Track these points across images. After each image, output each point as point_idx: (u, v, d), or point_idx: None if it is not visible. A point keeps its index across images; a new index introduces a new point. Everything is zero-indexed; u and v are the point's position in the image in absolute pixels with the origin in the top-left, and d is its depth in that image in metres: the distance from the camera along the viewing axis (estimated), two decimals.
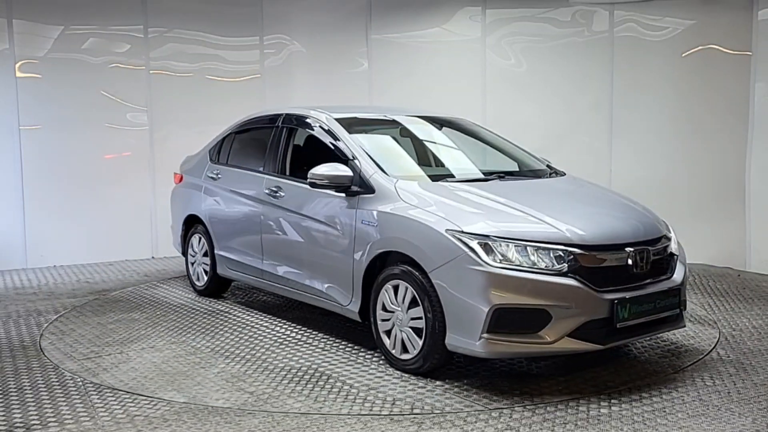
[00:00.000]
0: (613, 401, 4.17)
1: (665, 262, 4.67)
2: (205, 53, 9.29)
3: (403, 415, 3.97)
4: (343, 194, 5.08)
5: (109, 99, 8.80)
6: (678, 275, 4.69)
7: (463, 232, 4.28)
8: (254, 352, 5.17)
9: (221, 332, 5.69)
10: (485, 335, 4.12)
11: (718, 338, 5.38)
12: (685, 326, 4.88)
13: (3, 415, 4.04)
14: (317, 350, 5.17)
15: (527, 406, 4.09)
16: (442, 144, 5.99)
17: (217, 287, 6.84)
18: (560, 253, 4.21)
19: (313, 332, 5.63)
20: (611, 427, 3.81)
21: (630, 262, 4.36)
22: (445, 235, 4.32)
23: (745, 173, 7.85)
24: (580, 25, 8.77)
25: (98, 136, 8.76)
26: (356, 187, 5.00)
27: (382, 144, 5.69)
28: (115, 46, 8.84)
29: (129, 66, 8.89)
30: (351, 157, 5.16)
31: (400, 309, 4.61)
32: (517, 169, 5.68)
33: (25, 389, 4.45)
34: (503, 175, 5.32)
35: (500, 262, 4.15)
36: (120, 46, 8.86)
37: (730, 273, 7.70)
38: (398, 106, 7.07)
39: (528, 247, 4.20)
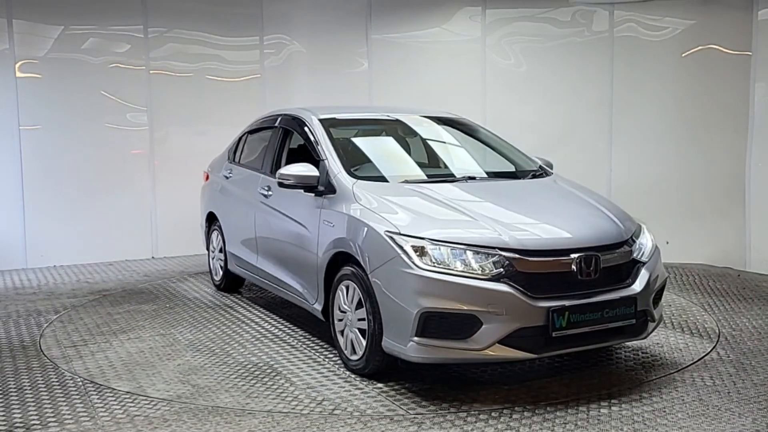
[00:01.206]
0: (613, 401, 4.17)
1: (624, 269, 4.38)
2: (205, 53, 9.28)
3: (403, 415, 3.98)
4: (312, 194, 5.14)
5: (109, 99, 8.80)
6: (639, 284, 4.36)
7: (400, 234, 4.24)
8: (226, 346, 5.31)
9: (210, 326, 5.87)
10: (414, 339, 4.06)
11: (718, 338, 5.38)
12: (645, 337, 4.49)
13: (3, 415, 4.04)
14: (286, 347, 5.26)
15: (527, 406, 4.10)
16: (426, 144, 5.88)
17: (231, 283, 7.02)
18: (495, 258, 4.08)
19: (295, 329, 5.70)
20: (611, 427, 3.81)
21: (575, 268, 4.16)
22: (383, 236, 4.29)
23: (745, 173, 7.85)
24: (580, 26, 8.77)
25: (98, 136, 8.75)
26: (322, 188, 5.06)
27: (360, 145, 5.68)
28: (115, 46, 8.84)
29: (129, 66, 8.88)
30: (323, 158, 5.23)
31: (350, 310, 4.64)
32: (496, 170, 5.52)
33: (25, 389, 4.45)
34: (473, 176, 5.22)
35: (433, 266, 4.06)
36: (120, 46, 8.86)
37: (730, 273, 7.70)
38: (396, 106, 7.08)
39: (463, 251, 4.10)
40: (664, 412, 4.01)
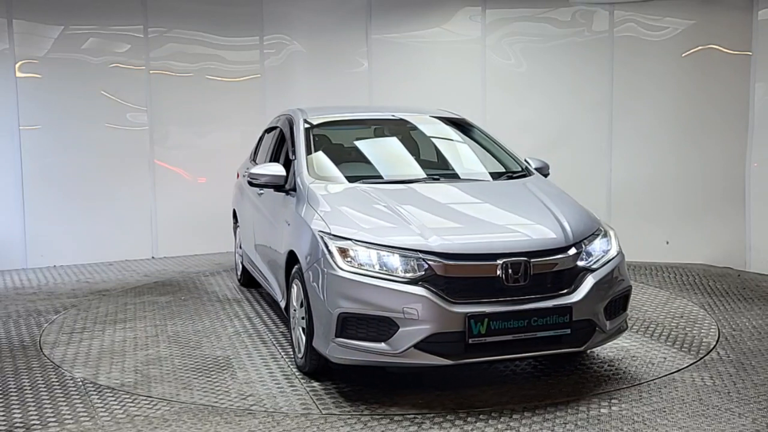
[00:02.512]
0: (613, 401, 4.17)
1: (563, 276, 4.19)
2: (205, 53, 9.28)
3: (403, 415, 3.98)
4: (282, 193, 5.22)
5: (109, 99, 8.80)
6: (580, 292, 4.16)
7: (329, 234, 4.25)
8: (204, 339, 5.53)
9: (204, 319, 6.09)
10: (335, 340, 4.09)
11: (718, 338, 5.38)
12: (584, 349, 4.27)
13: (3, 415, 4.04)
14: (258, 343, 5.39)
15: (527, 406, 4.10)
16: (406, 144, 5.80)
17: (248, 278, 7.13)
18: (416, 261, 4.03)
19: (280, 326, 5.82)
20: (611, 427, 3.81)
21: (500, 274, 4.04)
22: (316, 236, 4.31)
23: (745, 173, 7.86)
24: (580, 26, 8.77)
25: (98, 136, 8.75)
26: (289, 187, 5.12)
27: (339, 145, 5.69)
28: (115, 46, 8.84)
29: (129, 66, 8.88)
30: (293, 158, 5.30)
31: (297, 308, 4.68)
32: (468, 171, 5.46)
33: (25, 389, 4.45)
34: (438, 177, 5.14)
35: (354, 267, 4.06)
36: (120, 46, 8.86)
37: (730, 273, 7.70)
38: (394, 106, 7.09)
39: (385, 254, 4.07)
40: (664, 412, 4.01)
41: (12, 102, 8.31)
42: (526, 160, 5.57)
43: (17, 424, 3.92)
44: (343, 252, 4.12)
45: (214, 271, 8.19)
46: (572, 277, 4.21)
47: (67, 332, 5.78)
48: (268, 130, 6.89)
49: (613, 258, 4.44)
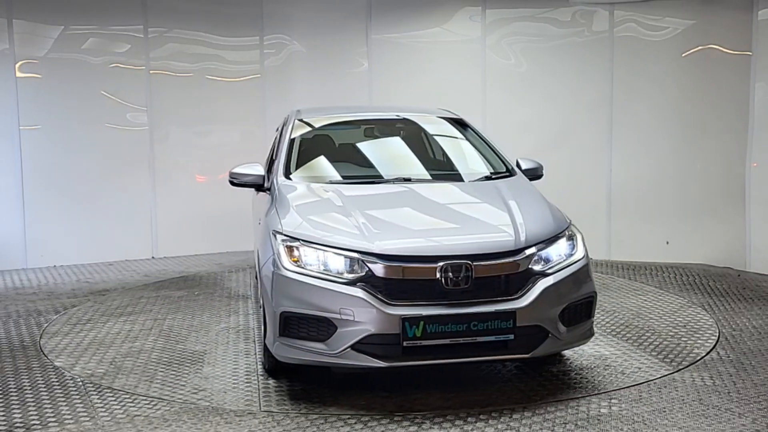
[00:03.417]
0: (613, 401, 4.17)
1: (511, 280, 4.10)
2: (205, 53, 9.28)
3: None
4: (265, 193, 5.28)
5: (109, 99, 8.80)
6: (529, 297, 4.07)
7: (281, 233, 4.28)
8: (191, 334, 5.68)
9: (203, 315, 6.25)
10: (279, 339, 4.13)
11: (718, 338, 5.37)
12: (531, 356, 4.12)
13: (3, 415, 4.04)
14: (240, 340, 5.47)
15: (527, 406, 4.10)
16: (392, 145, 5.81)
17: None
18: (356, 262, 4.03)
19: None
20: (611, 427, 3.81)
21: (439, 276, 3.99)
22: (270, 235, 4.35)
23: (746, 173, 7.85)
24: (580, 25, 8.77)
25: (98, 136, 8.75)
26: (266, 186, 5.18)
27: (323, 145, 5.69)
28: (115, 46, 8.84)
29: (129, 66, 8.88)
30: (274, 158, 5.36)
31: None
32: (442, 172, 5.39)
33: (25, 389, 4.45)
34: (410, 178, 5.08)
35: (298, 267, 4.09)
36: (120, 46, 8.86)
37: (730, 273, 7.69)
38: (391, 106, 7.13)
39: (328, 254, 4.09)
40: (664, 412, 4.01)
41: (12, 102, 8.31)
42: (517, 161, 5.44)
43: (17, 424, 3.92)
44: (291, 251, 4.16)
45: (239, 268, 8.27)
46: (522, 281, 4.11)
47: (73, 323, 5.98)
48: (278, 130, 6.95)
49: (575, 262, 4.32)
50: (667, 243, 8.43)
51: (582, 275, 4.34)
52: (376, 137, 5.87)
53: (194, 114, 9.25)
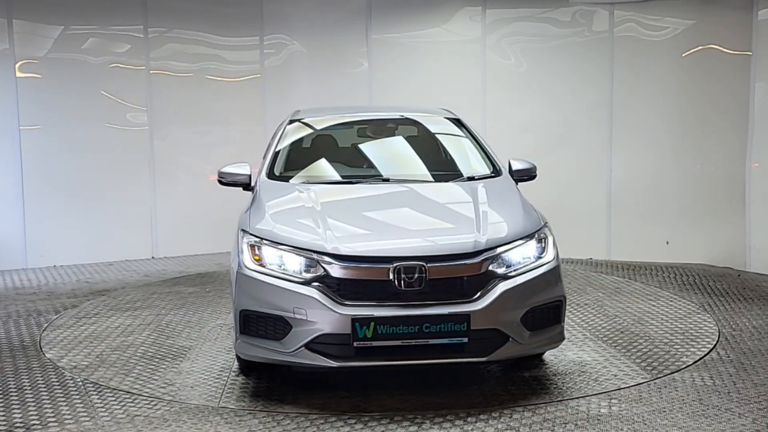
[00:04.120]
0: (613, 401, 4.17)
1: (468, 282, 4.06)
2: (205, 53, 9.28)
3: (403, 415, 3.98)
4: (250, 192, 5.29)
5: (109, 99, 8.80)
6: (483, 301, 4.01)
7: (247, 232, 4.34)
8: (184, 329, 5.78)
9: (204, 311, 6.34)
10: (240, 337, 4.20)
11: (718, 338, 5.37)
12: (487, 360, 4.08)
13: (3, 415, 4.04)
14: (227, 336, 5.53)
15: (527, 406, 4.10)
16: (380, 145, 5.81)
17: None
18: (312, 262, 4.07)
19: None
20: (611, 427, 3.81)
21: (392, 277, 3.97)
22: (239, 233, 4.41)
23: (745, 173, 7.85)
24: (580, 25, 8.77)
25: (98, 136, 8.75)
26: (252, 186, 5.20)
27: (312, 146, 5.70)
28: (115, 46, 8.84)
29: (129, 66, 8.88)
30: (263, 157, 5.40)
31: None
32: (423, 172, 5.32)
33: (25, 389, 4.45)
34: (387, 178, 5.09)
35: (259, 266, 4.14)
36: (120, 46, 8.86)
37: (730, 273, 7.69)
38: (388, 106, 7.14)
39: (287, 254, 4.13)
40: (664, 412, 4.01)
41: (12, 102, 8.31)
42: (509, 162, 5.35)
43: (17, 424, 3.92)
44: (254, 250, 4.21)
45: None
46: (480, 283, 4.07)
47: (79, 316, 6.18)
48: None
49: (542, 265, 4.25)
50: (667, 243, 8.43)
51: (549, 279, 4.26)
52: (369, 137, 5.88)
53: (194, 114, 9.25)
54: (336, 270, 4.01)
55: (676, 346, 5.15)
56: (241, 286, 4.18)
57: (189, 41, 9.22)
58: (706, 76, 8.20)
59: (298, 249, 4.12)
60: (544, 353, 4.80)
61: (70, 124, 8.61)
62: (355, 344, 3.91)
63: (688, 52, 8.28)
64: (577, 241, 8.71)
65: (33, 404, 4.21)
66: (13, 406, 4.17)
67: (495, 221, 4.40)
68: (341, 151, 5.70)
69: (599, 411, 4.02)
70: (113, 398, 4.29)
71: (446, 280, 4.04)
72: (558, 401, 4.17)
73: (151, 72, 8.97)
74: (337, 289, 3.99)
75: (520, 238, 4.30)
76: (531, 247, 4.30)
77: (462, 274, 4.06)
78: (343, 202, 4.76)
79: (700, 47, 8.20)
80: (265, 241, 4.21)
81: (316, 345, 3.95)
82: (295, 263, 4.10)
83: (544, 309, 4.23)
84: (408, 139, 5.83)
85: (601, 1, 8.58)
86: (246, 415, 3.99)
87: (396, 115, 6.04)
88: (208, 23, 9.27)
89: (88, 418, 3.99)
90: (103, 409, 4.11)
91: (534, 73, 8.96)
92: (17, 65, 8.34)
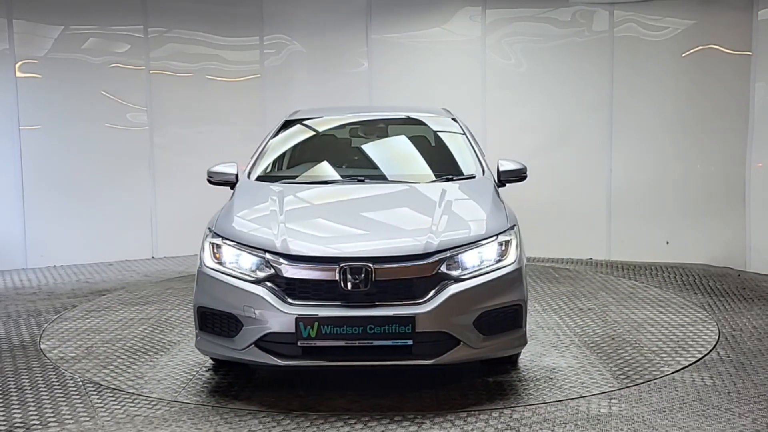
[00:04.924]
0: (613, 401, 4.17)
1: (418, 284, 4.01)
2: (205, 53, 9.28)
3: (403, 415, 3.98)
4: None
5: (109, 99, 8.80)
6: (431, 303, 3.96)
7: (211, 231, 4.45)
8: (180, 324, 5.91)
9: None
10: (199, 333, 4.32)
11: (718, 338, 5.37)
12: (428, 362, 3.97)
13: (3, 415, 4.04)
14: None
15: (527, 406, 4.10)
16: (366, 146, 5.82)
17: None
18: (263, 261, 4.11)
19: None
20: (611, 427, 3.81)
21: (338, 278, 3.97)
22: (206, 231, 4.49)
23: (745, 173, 7.86)
24: (580, 26, 8.77)
25: (98, 136, 8.75)
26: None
27: (301, 146, 5.73)
28: (115, 46, 8.84)
29: (129, 66, 8.88)
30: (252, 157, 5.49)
31: None
32: (399, 173, 5.29)
33: (25, 389, 4.45)
34: (363, 178, 5.07)
35: (217, 264, 4.24)
36: (120, 46, 8.86)
37: (730, 273, 7.69)
38: (387, 106, 7.13)
39: (242, 253, 4.20)
40: (664, 412, 4.01)
41: (12, 102, 8.31)
42: (498, 162, 5.27)
43: (17, 424, 3.92)
44: (214, 249, 4.31)
45: None
46: (430, 286, 4.02)
47: (79, 317, 6.22)
48: None
49: (499, 268, 4.17)
50: (667, 243, 8.43)
51: (506, 282, 4.16)
52: (360, 138, 5.89)
53: (194, 114, 9.25)
54: (285, 270, 4.05)
55: (662, 354, 4.96)
56: (199, 283, 4.29)
57: (189, 41, 9.23)
58: (706, 76, 8.21)
59: (252, 248, 4.18)
60: (517, 358, 4.74)
61: (70, 124, 8.62)
62: (299, 344, 3.94)
63: (688, 52, 8.29)
64: (577, 241, 8.73)
65: (33, 404, 4.21)
66: (13, 406, 4.17)
67: (454, 223, 4.34)
68: (326, 151, 5.73)
69: (599, 411, 4.02)
70: (113, 398, 4.29)
71: (394, 281, 4.02)
72: (558, 401, 4.17)
73: (151, 72, 8.98)
74: (286, 289, 4.04)
75: (478, 241, 4.22)
76: (490, 250, 4.22)
77: (410, 275, 4.03)
78: (306, 203, 4.81)
79: (700, 47, 8.21)
80: (225, 240, 4.30)
81: (265, 343, 4.01)
82: (249, 262, 4.17)
83: (500, 313, 4.14)
84: (396, 140, 5.84)
85: (601, 1, 8.59)
86: (246, 415, 4.00)
87: (391, 115, 6.04)
88: (208, 23, 9.27)
89: (88, 418, 3.99)
90: (103, 409, 4.11)
91: (534, 73, 8.96)
92: (17, 65, 8.34)
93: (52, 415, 4.04)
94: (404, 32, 9.40)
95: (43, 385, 4.52)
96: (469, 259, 4.15)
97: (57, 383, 4.56)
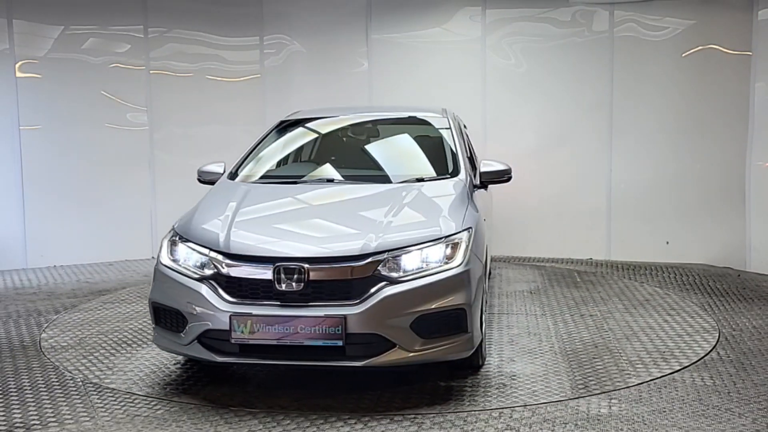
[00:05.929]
0: (613, 401, 4.17)
1: (350, 285, 4.00)
2: (205, 53, 9.28)
3: (404, 414, 3.98)
4: None
5: (109, 99, 8.80)
6: (364, 304, 3.94)
7: (173, 228, 4.60)
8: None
9: None
10: (154, 328, 4.46)
11: (718, 338, 5.38)
12: (358, 364, 3.95)
13: (3, 415, 4.04)
14: None
15: (527, 406, 4.10)
16: (352, 146, 5.91)
17: None
18: (205, 258, 4.24)
19: None
20: (611, 427, 3.81)
21: (272, 277, 4.02)
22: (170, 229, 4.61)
23: (746, 173, 7.86)
24: (580, 26, 8.77)
25: (98, 136, 8.75)
26: None
27: (279, 147, 5.79)
28: (115, 46, 8.83)
29: (129, 66, 8.88)
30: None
31: None
32: (372, 174, 5.34)
33: (25, 389, 4.45)
34: (331, 179, 5.27)
35: (172, 262, 4.36)
36: (120, 46, 8.86)
37: (730, 273, 7.70)
38: (386, 106, 7.14)
39: (191, 252, 4.32)
40: (664, 412, 4.01)
41: (12, 102, 8.31)
42: (480, 163, 5.28)
43: (17, 424, 3.92)
44: (170, 245, 4.47)
45: None
46: (365, 287, 4.00)
47: (78, 317, 6.23)
48: None
49: (442, 272, 4.09)
50: (667, 243, 8.43)
51: (449, 285, 4.08)
52: (348, 137, 5.95)
53: (194, 114, 9.25)
54: (225, 268, 4.14)
55: (637, 365, 4.76)
56: (155, 279, 4.43)
57: (189, 41, 9.22)
58: (706, 76, 8.21)
59: (199, 246, 4.30)
60: (483, 362, 4.68)
61: (70, 124, 8.61)
62: (233, 340, 4.01)
63: (688, 52, 8.29)
64: (577, 242, 8.73)
65: (33, 404, 4.21)
66: (13, 406, 4.17)
67: (400, 225, 4.31)
68: (307, 152, 5.83)
69: (599, 411, 4.02)
70: (113, 398, 4.30)
71: (330, 282, 4.03)
72: (558, 401, 4.17)
73: (151, 72, 8.98)
74: (226, 287, 4.11)
75: (422, 243, 4.16)
76: (436, 252, 4.16)
77: (345, 277, 4.02)
78: (263, 203, 4.84)
79: (700, 47, 8.21)
80: (181, 239, 4.44)
81: (206, 340, 4.12)
82: (196, 260, 4.28)
83: (441, 316, 4.07)
84: (378, 142, 5.88)
85: (601, 1, 8.59)
86: (246, 415, 4.00)
87: (389, 115, 6.11)
88: (208, 23, 9.27)
89: (88, 418, 3.99)
90: (103, 409, 4.12)
91: (534, 73, 8.96)
92: (17, 65, 8.34)
93: (52, 415, 4.04)
94: (404, 32, 9.40)
95: (43, 385, 4.52)
96: (410, 261, 4.10)
97: (57, 383, 4.56)
